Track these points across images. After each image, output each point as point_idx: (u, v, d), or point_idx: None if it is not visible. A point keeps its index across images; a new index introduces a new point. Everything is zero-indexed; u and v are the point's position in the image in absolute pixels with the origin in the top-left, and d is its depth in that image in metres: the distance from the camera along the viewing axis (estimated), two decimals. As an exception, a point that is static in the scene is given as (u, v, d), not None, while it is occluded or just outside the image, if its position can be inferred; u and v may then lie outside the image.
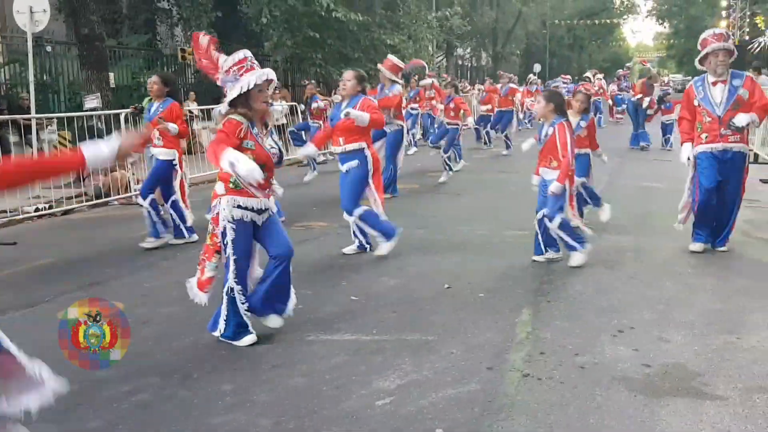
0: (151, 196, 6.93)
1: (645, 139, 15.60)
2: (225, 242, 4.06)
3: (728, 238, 6.26)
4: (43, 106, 13.25)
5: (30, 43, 10.44)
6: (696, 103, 6.08)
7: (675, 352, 4.03)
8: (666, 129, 15.27)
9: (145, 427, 3.22)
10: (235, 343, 4.14)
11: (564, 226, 5.76)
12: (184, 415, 3.32)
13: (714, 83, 5.99)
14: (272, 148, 4.41)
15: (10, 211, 8.84)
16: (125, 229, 7.91)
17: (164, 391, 3.57)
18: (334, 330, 4.45)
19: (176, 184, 7.00)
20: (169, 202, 6.98)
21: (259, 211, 4.12)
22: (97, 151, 2.49)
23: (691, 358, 3.92)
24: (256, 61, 4.05)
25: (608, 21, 57.73)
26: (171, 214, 7.01)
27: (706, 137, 6.01)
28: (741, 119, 5.85)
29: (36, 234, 8.19)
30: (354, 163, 6.09)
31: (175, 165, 6.96)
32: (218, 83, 4.06)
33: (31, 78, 10.58)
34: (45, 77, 14.22)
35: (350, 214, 6.21)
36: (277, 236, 4.21)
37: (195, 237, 6.96)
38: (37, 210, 9.27)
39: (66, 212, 9.37)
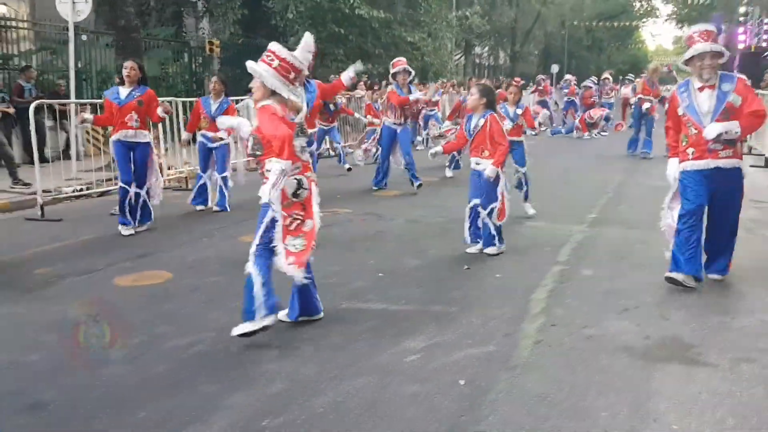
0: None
1: (647, 146, 14.24)
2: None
3: (728, 267, 5.49)
4: (77, 93, 13.77)
5: (72, 33, 10.97)
6: (680, 112, 5.23)
7: (673, 327, 4.45)
8: None
9: (204, 372, 3.69)
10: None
11: (493, 216, 6.15)
12: (237, 363, 3.79)
13: (700, 88, 5.10)
14: None
15: (48, 191, 9.36)
16: (159, 210, 8.38)
17: (218, 345, 4.05)
18: (365, 300, 4.91)
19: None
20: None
21: None
22: None
23: (688, 333, 4.34)
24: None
25: (627, 24, 57.73)
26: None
27: (693, 152, 5.15)
28: (711, 130, 4.99)
29: (77, 212, 8.69)
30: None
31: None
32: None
33: (71, 65, 11.10)
34: (78, 65, 14.74)
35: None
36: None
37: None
38: (75, 191, 9.78)
39: (101, 194, 9.87)
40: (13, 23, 15.34)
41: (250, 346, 4.00)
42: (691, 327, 4.47)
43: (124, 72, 7.11)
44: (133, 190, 7.10)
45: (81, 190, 9.78)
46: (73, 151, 11.01)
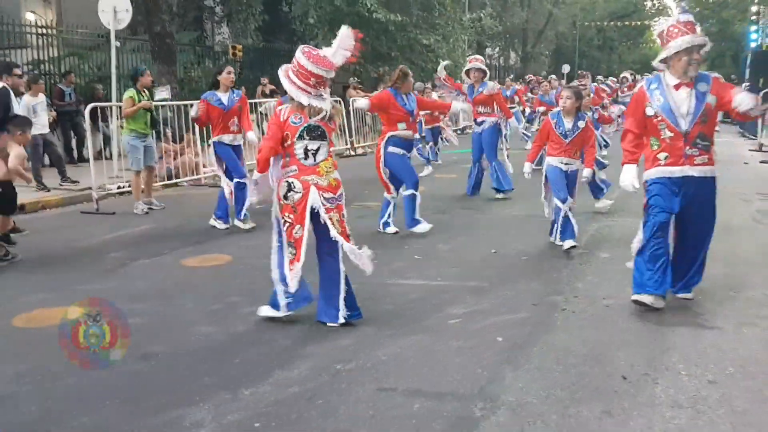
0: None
1: None
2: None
3: (696, 282, 4.98)
4: (108, 95, 14.46)
5: (113, 40, 11.64)
6: (651, 112, 4.57)
7: (684, 300, 5.01)
8: None
9: (278, 330, 4.29)
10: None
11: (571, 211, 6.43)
12: (306, 323, 4.41)
13: (677, 86, 4.50)
14: None
15: (97, 188, 10.02)
16: (200, 205, 9.04)
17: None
18: (407, 277, 5.53)
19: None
20: (235, 182, 7.49)
21: None
22: None
23: (696, 303, 4.91)
24: None
25: (639, 23, 58.05)
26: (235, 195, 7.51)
27: (666, 158, 4.55)
28: (745, 99, 4.46)
29: (125, 207, 9.33)
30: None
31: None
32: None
33: (113, 70, 11.77)
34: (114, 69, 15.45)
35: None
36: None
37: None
38: (119, 188, 10.44)
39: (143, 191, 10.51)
40: (42, 30, 16.04)
41: (312, 310, 4.61)
42: (699, 298, 5.03)
43: (228, 77, 7.46)
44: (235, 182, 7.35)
45: (124, 186, 10.44)
46: (115, 151, 11.67)
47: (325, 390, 3.41)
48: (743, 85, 22.14)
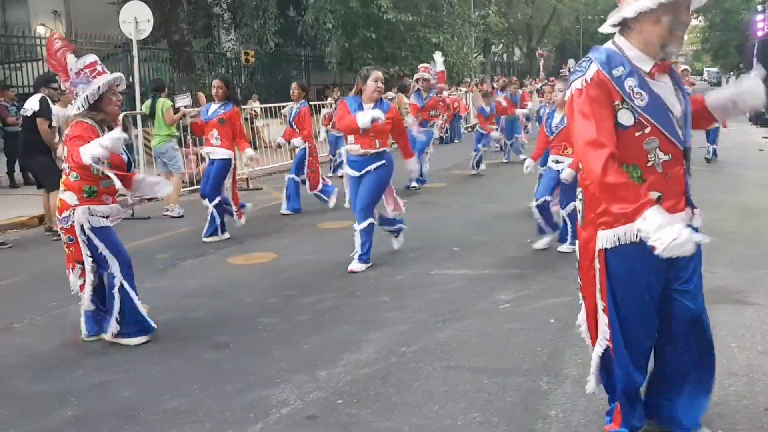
0: (218, 199, 7.14)
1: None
2: (96, 252, 4.10)
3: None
4: (129, 104, 14.70)
5: (135, 51, 11.86)
6: (629, 119, 2.46)
7: (721, 279, 5.18)
8: (708, 135, 11.85)
9: (338, 319, 4.48)
10: (124, 341, 4.14)
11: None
12: (361, 312, 4.59)
13: (651, 73, 2.50)
14: (124, 154, 4.12)
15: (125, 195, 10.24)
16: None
17: (340, 300, 4.87)
18: (449, 267, 5.71)
19: (228, 183, 7.19)
20: (216, 200, 7.13)
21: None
22: None
23: (734, 282, 5.08)
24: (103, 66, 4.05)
25: (642, 15, 57.98)
26: (213, 213, 7.13)
27: (660, 199, 2.47)
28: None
29: (157, 212, 9.54)
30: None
31: (232, 164, 7.20)
32: (66, 85, 4.08)
33: (137, 79, 11.99)
34: (130, 79, 15.70)
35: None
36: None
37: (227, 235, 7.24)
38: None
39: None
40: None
41: (365, 301, 4.80)
42: (738, 278, 5.20)
43: (213, 91, 7.23)
44: (204, 202, 7.14)
45: (153, 193, 10.65)
46: (142, 159, 11.90)
47: (396, 370, 3.60)
48: (752, 72, 22.03)
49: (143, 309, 4.21)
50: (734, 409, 3.11)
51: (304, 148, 8.65)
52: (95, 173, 4.00)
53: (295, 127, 8.68)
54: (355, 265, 5.63)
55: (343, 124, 5.58)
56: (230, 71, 21.31)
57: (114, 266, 4.12)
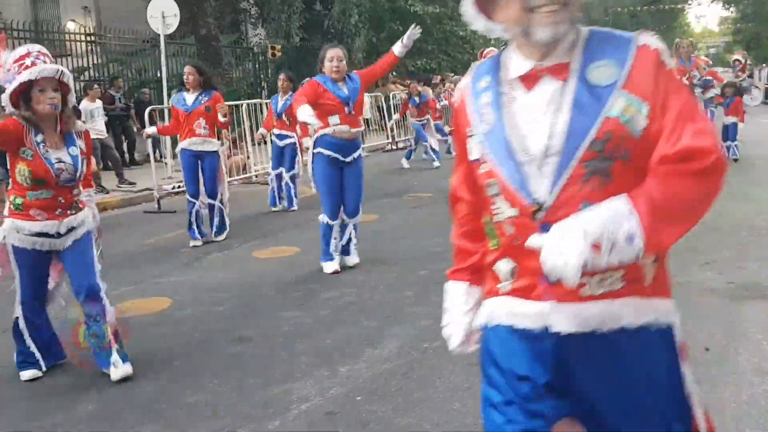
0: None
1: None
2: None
3: None
4: (157, 99, 14.86)
5: (163, 45, 11.95)
6: (476, 150, 1.57)
7: (752, 274, 5.06)
8: (727, 132, 11.13)
9: (360, 313, 4.46)
10: (21, 373, 3.67)
11: None
12: (383, 307, 4.58)
13: (528, 82, 1.51)
14: (60, 162, 3.47)
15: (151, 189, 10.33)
16: (255, 202, 9.28)
17: (362, 295, 4.87)
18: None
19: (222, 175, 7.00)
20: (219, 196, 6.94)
21: (48, 235, 3.51)
22: None
23: (765, 279, 4.94)
24: (44, 57, 3.49)
25: (672, 7, 57.10)
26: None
27: (513, 273, 1.55)
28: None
29: (182, 206, 9.62)
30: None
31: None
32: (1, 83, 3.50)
33: (164, 74, 12.09)
34: (158, 74, 15.85)
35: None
36: (74, 267, 3.59)
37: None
38: (173, 188, 10.75)
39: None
40: (85, 37, 16.48)
41: (388, 296, 4.77)
42: (762, 273, 5.07)
43: (185, 78, 6.73)
44: (207, 201, 6.84)
45: (179, 187, 10.74)
46: (168, 151, 12.01)
47: (418, 366, 3.57)
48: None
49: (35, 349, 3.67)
50: (764, 408, 3.03)
51: (294, 142, 8.42)
52: (20, 181, 3.43)
53: (285, 119, 8.31)
54: (354, 258, 5.59)
55: (297, 103, 4.88)
56: (257, 66, 21.40)
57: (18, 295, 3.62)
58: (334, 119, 5.14)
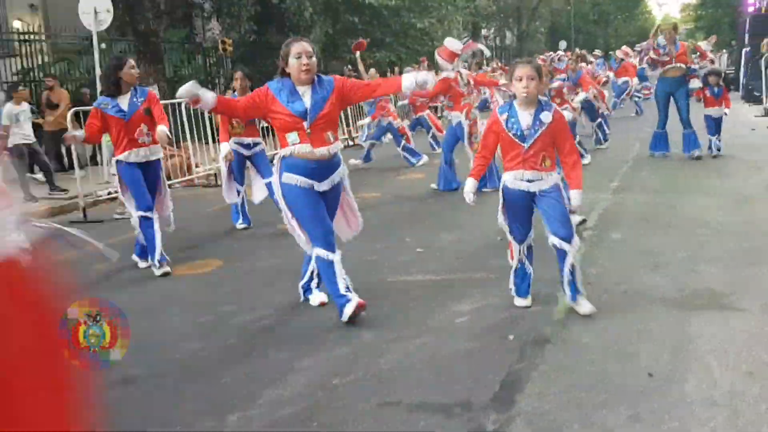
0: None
1: (693, 143, 10.04)
2: None
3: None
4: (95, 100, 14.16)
5: (96, 42, 11.30)
6: None
7: (705, 280, 4.68)
8: (713, 126, 10.11)
9: (272, 342, 3.98)
10: None
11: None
12: (301, 333, 4.10)
13: None
14: None
15: (84, 195, 9.69)
16: (194, 206, 8.72)
17: (282, 317, 4.38)
18: (409, 273, 5.19)
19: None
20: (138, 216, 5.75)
21: None
22: None
23: (720, 284, 4.57)
24: None
25: (633, -6, 57.35)
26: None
27: None
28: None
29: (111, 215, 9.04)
30: None
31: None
32: None
33: (98, 72, 11.40)
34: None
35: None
36: None
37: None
38: (108, 193, 10.14)
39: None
40: (31, 36, 15.70)
41: (310, 318, 4.29)
42: (723, 278, 4.70)
43: (130, 73, 5.61)
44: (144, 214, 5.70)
45: (114, 192, 10.12)
46: (105, 157, 11.36)
47: (322, 409, 3.09)
48: (744, 50, 21.60)
49: None
50: (712, 453, 2.62)
51: (263, 148, 7.43)
52: None
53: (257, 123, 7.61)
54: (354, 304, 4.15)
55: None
56: (208, 62, 20.71)
57: None
58: (292, 137, 4.13)
